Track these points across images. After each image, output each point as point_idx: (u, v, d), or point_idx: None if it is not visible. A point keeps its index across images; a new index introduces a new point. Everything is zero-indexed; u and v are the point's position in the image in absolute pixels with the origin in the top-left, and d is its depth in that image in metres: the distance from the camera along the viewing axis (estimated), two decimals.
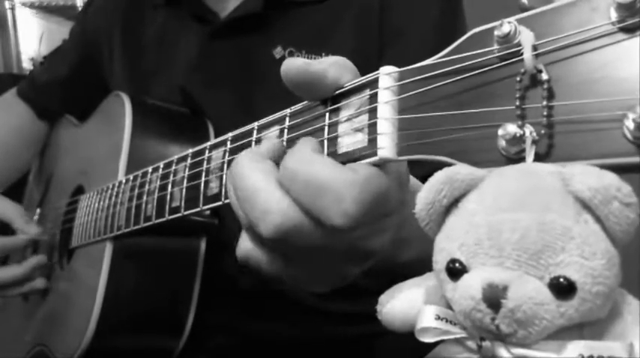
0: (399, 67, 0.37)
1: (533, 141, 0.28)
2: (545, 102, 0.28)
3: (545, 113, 0.28)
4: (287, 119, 0.43)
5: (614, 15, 0.26)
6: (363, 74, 0.40)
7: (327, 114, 0.40)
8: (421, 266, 0.32)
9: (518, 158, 0.29)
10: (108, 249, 0.70)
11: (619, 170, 0.25)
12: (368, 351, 0.78)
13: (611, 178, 0.24)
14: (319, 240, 0.35)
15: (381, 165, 0.36)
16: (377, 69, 0.37)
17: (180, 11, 0.83)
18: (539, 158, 0.28)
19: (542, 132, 0.28)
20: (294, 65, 0.37)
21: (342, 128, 0.38)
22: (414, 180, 0.42)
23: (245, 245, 0.40)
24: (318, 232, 0.35)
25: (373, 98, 0.36)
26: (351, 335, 0.77)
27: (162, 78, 0.84)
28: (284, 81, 0.38)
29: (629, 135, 0.25)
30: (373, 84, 0.37)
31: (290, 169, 0.35)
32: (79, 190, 0.87)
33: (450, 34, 0.72)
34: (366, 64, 0.41)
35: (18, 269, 0.85)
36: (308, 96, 0.40)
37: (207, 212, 0.51)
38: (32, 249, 0.94)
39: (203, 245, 0.74)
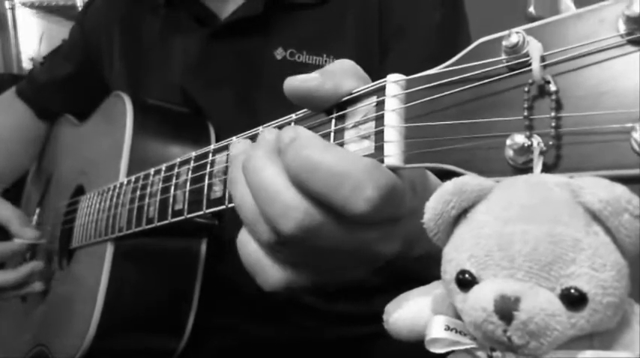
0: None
1: (541, 152, 0.28)
2: (553, 114, 0.28)
3: (553, 124, 0.28)
4: (292, 124, 0.43)
5: (622, 27, 0.26)
6: None
7: (333, 120, 0.40)
8: (432, 261, 0.32)
9: (526, 168, 0.29)
10: (109, 250, 0.70)
11: (626, 182, 0.25)
12: (370, 352, 0.78)
13: (622, 190, 0.24)
14: (334, 238, 0.35)
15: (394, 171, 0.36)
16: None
17: (180, 12, 0.83)
18: (546, 169, 0.28)
19: (550, 143, 0.28)
20: (292, 84, 0.38)
21: (348, 135, 0.38)
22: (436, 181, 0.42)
23: (251, 247, 0.40)
24: (337, 228, 0.35)
25: (380, 105, 0.36)
26: (353, 335, 0.78)
27: (162, 79, 0.84)
28: (287, 98, 0.39)
29: (636, 147, 0.25)
30: (380, 91, 0.37)
31: (306, 161, 0.34)
32: (80, 190, 0.87)
33: (452, 34, 0.72)
34: (368, 65, 0.41)
35: (12, 274, 0.85)
36: (312, 109, 0.41)
37: (209, 214, 0.51)
38: (31, 252, 0.94)
39: (204, 246, 0.74)
